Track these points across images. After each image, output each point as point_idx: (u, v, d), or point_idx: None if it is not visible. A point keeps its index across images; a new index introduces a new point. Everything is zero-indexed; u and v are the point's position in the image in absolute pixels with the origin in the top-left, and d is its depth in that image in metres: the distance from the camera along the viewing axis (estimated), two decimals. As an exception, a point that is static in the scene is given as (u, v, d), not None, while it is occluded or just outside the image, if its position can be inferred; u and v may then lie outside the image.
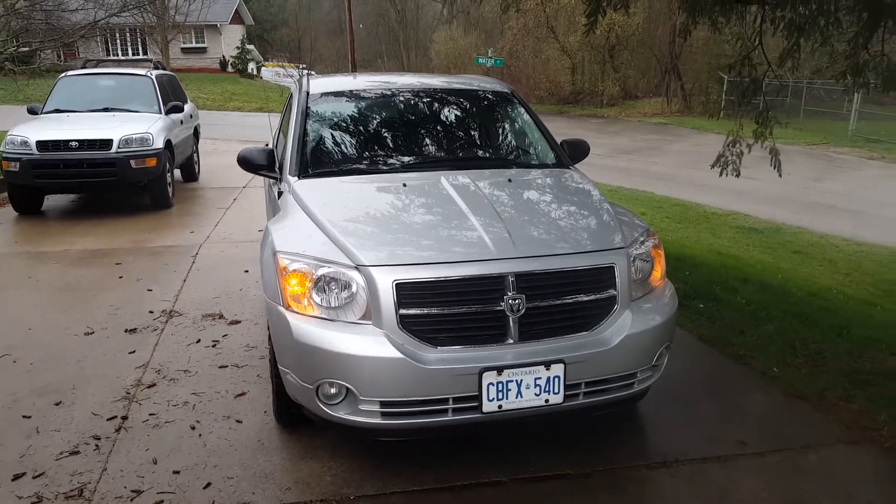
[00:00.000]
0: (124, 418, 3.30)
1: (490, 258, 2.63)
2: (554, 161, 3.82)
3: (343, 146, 3.72)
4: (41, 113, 8.12)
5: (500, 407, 2.56)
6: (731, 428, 3.22)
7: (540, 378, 2.58)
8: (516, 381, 2.56)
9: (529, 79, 27.65)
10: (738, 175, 6.39)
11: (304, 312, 2.65)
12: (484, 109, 4.14)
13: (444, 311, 2.57)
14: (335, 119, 3.85)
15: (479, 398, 2.53)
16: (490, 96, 4.21)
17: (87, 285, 5.30)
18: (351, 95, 4.03)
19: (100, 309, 4.74)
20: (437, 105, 4.01)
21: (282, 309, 2.70)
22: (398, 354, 2.49)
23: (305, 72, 4.66)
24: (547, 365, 2.57)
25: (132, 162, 7.29)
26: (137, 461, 2.95)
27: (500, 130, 4.07)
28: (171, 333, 4.32)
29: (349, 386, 2.55)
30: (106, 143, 7.25)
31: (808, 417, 3.35)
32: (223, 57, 38.55)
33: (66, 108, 8.13)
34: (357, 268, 2.61)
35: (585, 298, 2.71)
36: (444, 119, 3.97)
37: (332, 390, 2.61)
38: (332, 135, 3.76)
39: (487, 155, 3.89)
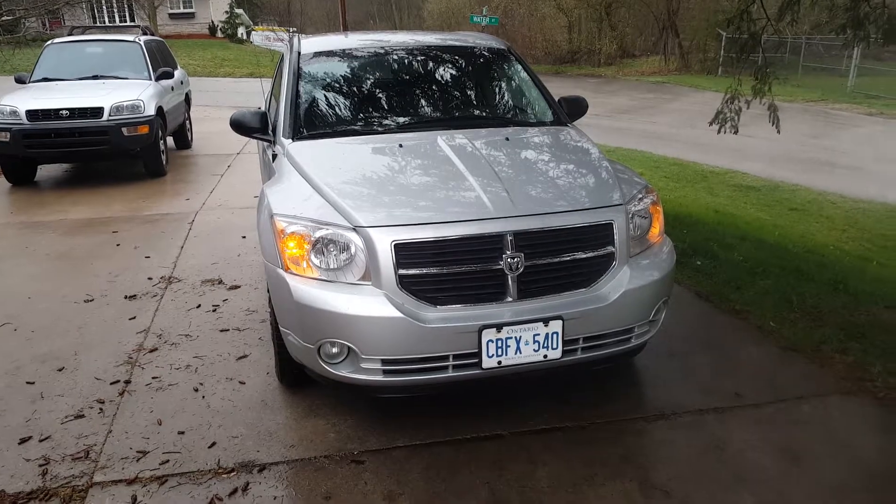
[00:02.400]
0: (127, 382, 3.33)
1: (488, 217, 2.63)
2: (552, 119, 3.79)
3: (337, 107, 3.68)
4: (29, 82, 7.99)
5: (499, 363, 2.59)
6: (727, 381, 3.27)
7: (538, 334, 2.60)
8: (515, 337, 2.58)
9: (525, 38, 27.26)
10: (736, 132, 6.34)
11: (304, 274, 2.66)
12: (480, 67, 4.08)
13: (443, 270, 2.57)
14: (328, 79, 3.80)
15: (479, 355, 2.56)
16: (486, 53, 4.15)
17: (84, 253, 5.29)
18: (343, 55, 3.96)
19: (98, 276, 4.75)
20: (432, 63, 3.95)
21: (281, 271, 2.71)
22: (398, 314, 2.51)
23: (295, 34, 4.53)
24: (545, 321, 2.59)
25: (124, 130, 7.21)
26: (142, 423, 2.99)
27: (497, 88, 4.02)
28: (170, 299, 4.34)
29: (350, 345, 2.58)
30: (97, 111, 7.16)
31: (803, 369, 3.41)
32: (212, 22, 37.86)
33: (55, 77, 8.00)
34: (355, 229, 2.61)
35: (583, 256, 2.72)
36: (440, 77, 3.92)
37: (334, 350, 2.64)
38: (325, 95, 3.71)
39: (484, 113, 3.85)
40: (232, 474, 2.65)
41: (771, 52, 19.67)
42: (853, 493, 2.53)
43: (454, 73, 3.97)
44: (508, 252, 2.58)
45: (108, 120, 7.17)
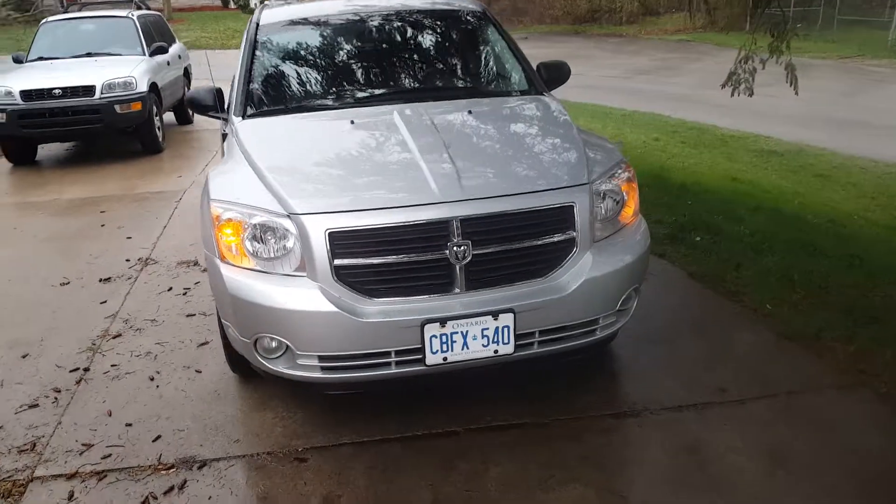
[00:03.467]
0: (86, 370, 3.26)
1: (432, 202, 2.42)
2: (525, 87, 3.53)
3: (292, 81, 3.47)
4: (26, 61, 7.94)
5: (444, 359, 2.41)
6: (711, 373, 3.03)
7: (487, 329, 2.41)
8: (461, 332, 2.39)
9: (541, -3, 26.38)
10: (751, 94, 5.93)
11: (239, 264, 2.50)
12: (450, 33, 3.81)
13: (383, 261, 2.39)
14: (284, 52, 3.58)
15: (422, 350, 2.38)
16: (458, 17, 3.87)
17: (71, 235, 5.24)
18: (305, 24, 3.72)
19: (79, 258, 4.69)
20: (398, 31, 3.70)
21: (217, 261, 2.55)
22: (333, 308, 2.34)
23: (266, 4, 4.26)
24: (495, 315, 2.40)
25: (117, 107, 7.12)
26: (93, 414, 2.91)
27: (468, 56, 3.76)
28: (144, 282, 4.25)
29: (285, 340, 2.43)
30: (89, 89, 7.08)
31: (798, 360, 3.13)
32: (225, -9, 37.36)
33: (50, 56, 7.94)
34: (289, 216, 2.43)
35: (539, 243, 2.50)
36: (406, 46, 3.67)
37: (273, 344, 2.49)
38: (279, 69, 3.49)
39: (450, 84, 3.60)
40: (171, 471, 2.55)
41: (803, 4, 18.62)
42: (844, 501, 2.30)
43: (421, 40, 3.72)
44: (454, 240, 2.38)
45: (100, 98, 7.09)
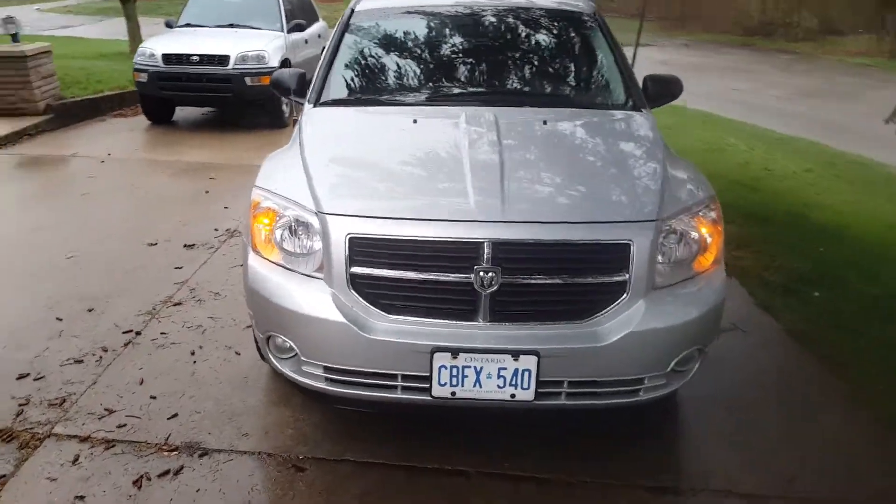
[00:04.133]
0: (138, 333, 3.34)
1: (465, 219, 2.17)
2: (621, 101, 3.15)
3: (370, 72, 3.32)
4: (175, 27, 8.51)
5: (453, 394, 2.16)
6: (782, 457, 2.54)
7: (505, 369, 2.13)
8: (475, 367, 2.13)
9: (711, 3, 24.62)
10: (919, 134, 5.08)
11: (267, 256, 2.40)
12: (549, 34, 3.48)
13: (402, 275, 2.17)
14: (369, 41, 3.44)
15: (429, 380, 2.16)
16: (562, 19, 3.53)
17: (177, 196, 5.52)
18: (397, 13, 3.57)
19: (174, 221, 4.90)
20: (493, 29, 3.44)
21: (249, 249, 2.48)
22: (341, 319, 2.16)
23: None
24: (515, 355, 2.11)
25: (247, 79, 7.43)
26: (126, 379, 2.97)
27: (563, 60, 3.42)
28: (223, 253, 4.35)
29: (292, 343, 2.30)
30: (223, 59, 7.44)
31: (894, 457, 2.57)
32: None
33: (196, 23, 8.44)
34: (317, 213, 2.29)
35: (583, 281, 2.17)
36: (493, 44, 3.40)
37: (285, 344, 2.37)
38: (361, 58, 3.36)
39: (533, 89, 3.29)
40: (174, 454, 2.51)
41: None
42: None
43: (515, 40, 3.43)
44: (482, 264, 2.12)
45: (233, 68, 7.43)
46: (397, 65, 3.35)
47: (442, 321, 2.18)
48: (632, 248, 2.17)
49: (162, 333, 3.35)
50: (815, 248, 4.84)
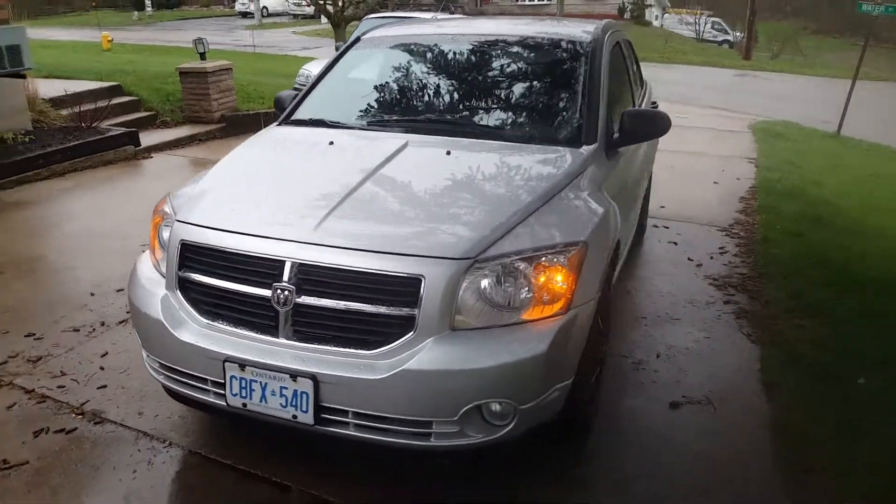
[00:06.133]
0: (128, 312, 3.83)
1: (277, 237, 2.24)
2: (565, 137, 2.92)
3: (337, 96, 3.49)
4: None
5: (244, 405, 2.22)
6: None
7: (286, 388, 2.15)
8: (261, 382, 2.18)
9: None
10: None
11: (153, 256, 2.67)
12: (527, 67, 3.35)
13: (217, 283, 2.30)
14: (358, 68, 3.63)
15: (225, 388, 2.25)
16: (553, 49, 3.39)
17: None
18: (395, 43, 3.69)
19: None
20: (474, 60, 3.41)
21: (147, 248, 2.76)
22: (159, 317, 2.35)
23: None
24: (293, 376, 2.12)
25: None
26: (95, 350, 3.40)
27: (524, 94, 3.24)
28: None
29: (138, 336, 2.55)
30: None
31: None
32: (622, 3, 37.56)
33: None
34: (175, 221, 2.51)
35: (369, 310, 2.11)
36: (468, 77, 3.38)
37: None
38: (340, 84, 3.55)
39: (479, 121, 3.17)
40: (79, 417, 2.87)
41: None
42: None
43: (487, 73, 3.36)
44: (281, 282, 2.17)
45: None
46: (363, 90, 3.47)
47: (247, 332, 2.25)
48: (422, 283, 2.06)
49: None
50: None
